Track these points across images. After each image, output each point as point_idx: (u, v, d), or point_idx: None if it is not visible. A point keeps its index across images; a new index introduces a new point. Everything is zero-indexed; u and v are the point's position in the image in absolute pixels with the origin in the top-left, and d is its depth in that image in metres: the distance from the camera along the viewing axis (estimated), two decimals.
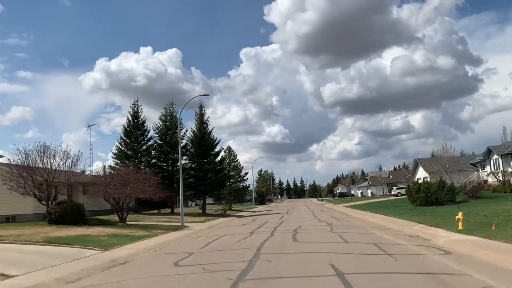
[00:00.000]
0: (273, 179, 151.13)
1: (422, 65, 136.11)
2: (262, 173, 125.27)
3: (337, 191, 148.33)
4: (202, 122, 37.43)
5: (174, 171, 35.85)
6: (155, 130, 36.21)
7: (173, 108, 37.22)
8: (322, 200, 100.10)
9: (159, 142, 36.04)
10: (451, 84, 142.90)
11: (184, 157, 37.21)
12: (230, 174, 48.82)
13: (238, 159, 49.96)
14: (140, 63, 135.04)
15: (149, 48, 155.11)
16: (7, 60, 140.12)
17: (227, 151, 49.49)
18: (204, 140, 36.73)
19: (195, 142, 36.90)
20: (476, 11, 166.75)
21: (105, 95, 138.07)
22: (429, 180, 48.65)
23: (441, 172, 35.20)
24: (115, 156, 34.39)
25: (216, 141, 37.93)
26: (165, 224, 24.06)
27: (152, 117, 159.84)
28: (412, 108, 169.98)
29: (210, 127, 37.80)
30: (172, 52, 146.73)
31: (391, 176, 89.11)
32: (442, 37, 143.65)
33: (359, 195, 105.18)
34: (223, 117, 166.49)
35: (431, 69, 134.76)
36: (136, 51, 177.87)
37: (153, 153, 36.13)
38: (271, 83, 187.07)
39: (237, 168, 49.55)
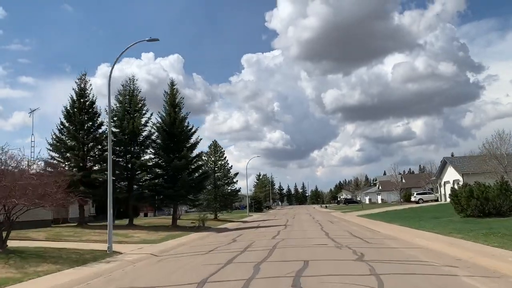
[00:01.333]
0: (273, 184, 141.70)
1: (424, 72, 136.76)
2: (260, 177, 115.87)
3: (342, 197, 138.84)
4: (173, 104, 28.23)
5: (134, 168, 26.63)
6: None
7: (134, 84, 28.11)
8: (326, 207, 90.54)
9: (114, 130, 26.85)
10: (453, 91, 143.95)
11: (148, 150, 28.06)
12: (216, 174, 39.55)
13: (226, 157, 40.75)
14: (142, 68, 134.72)
15: (151, 54, 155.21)
16: (9, 65, 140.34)
17: (212, 147, 40.28)
18: (174, 128, 27.51)
19: (163, 130, 27.67)
20: (477, 18, 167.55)
21: (107, 100, 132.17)
22: (461, 183, 39.22)
23: (498, 171, 25.74)
24: (51, 147, 25.17)
25: (192, 130, 28.75)
26: (83, 249, 14.74)
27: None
28: (413, 114, 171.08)
29: (184, 112, 28.63)
30: (174, 58, 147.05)
31: (404, 180, 79.76)
32: (444, 43, 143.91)
33: (367, 202, 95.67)
34: (224, 123, 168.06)
35: (433, 75, 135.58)
36: (138, 57, 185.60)
37: (105, 144, 26.91)
38: (272, 89, 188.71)
39: (225, 168, 40.31)
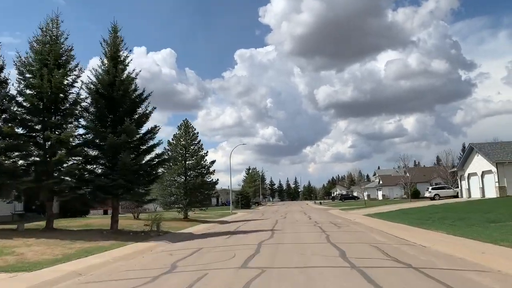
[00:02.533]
0: (263, 179, 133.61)
1: (416, 69, 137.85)
2: (250, 171, 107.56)
3: (336, 193, 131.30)
4: (114, 57, 19.73)
5: (53, 146, 18.09)
6: (17, 65, 18.47)
7: (58, 28, 19.46)
8: (320, 203, 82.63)
9: (26, 91, 18.31)
10: (445, 88, 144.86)
11: (78, 122, 19.59)
12: (187, 162, 31.17)
13: (200, 142, 32.28)
14: (133, 62, 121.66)
15: (143, 48, 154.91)
16: None
17: (182, 127, 31.76)
18: (114, 90, 19.01)
19: (97, 94, 19.11)
20: (469, 16, 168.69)
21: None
22: (496, 174, 31.31)
23: None
24: None
25: (142, 96, 20.23)
26: None
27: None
28: (405, 111, 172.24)
29: (130, 70, 20.10)
30: (166, 52, 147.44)
31: (408, 174, 72.09)
32: (436, 41, 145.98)
33: (365, 198, 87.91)
34: (217, 119, 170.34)
35: (425, 72, 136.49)
36: (130, 51, 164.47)
37: (16, 109, 18.41)
38: (265, 85, 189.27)
39: (198, 154, 31.85)
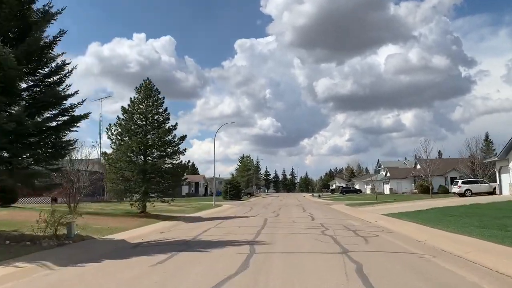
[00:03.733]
0: (258, 168, 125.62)
1: (417, 64, 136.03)
2: (243, 159, 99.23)
3: (335, 185, 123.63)
4: None
5: None
6: None
7: None
8: (319, 196, 74.67)
9: None
10: (444, 84, 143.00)
11: None
12: (147, 137, 22.84)
13: (167, 110, 23.86)
14: (133, 49, 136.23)
15: (143, 35, 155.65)
16: None
17: (142, 89, 23.27)
18: None
19: None
20: (470, 13, 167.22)
21: (97, 80, 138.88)
22: None
23: None
24: None
25: (46, 10, 11.87)
26: None
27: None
28: (404, 106, 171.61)
29: None
30: (166, 39, 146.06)
31: (418, 166, 64.18)
32: (437, 36, 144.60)
33: (368, 191, 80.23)
34: (215, 108, 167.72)
35: (426, 68, 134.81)
36: (129, 37, 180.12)
37: None
38: (265, 76, 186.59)
39: (162, 126, 23.47)
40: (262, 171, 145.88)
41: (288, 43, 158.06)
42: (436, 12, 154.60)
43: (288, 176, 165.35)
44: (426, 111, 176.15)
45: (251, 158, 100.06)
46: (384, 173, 76.10)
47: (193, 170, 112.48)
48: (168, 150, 23.30)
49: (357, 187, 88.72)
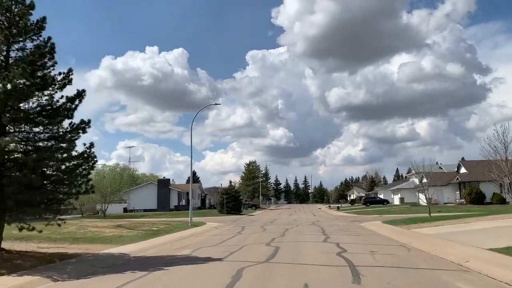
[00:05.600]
0: (268, 177, 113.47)
1: (431, 72, 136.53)
2: (250, 165, 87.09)
3: (353, 195, 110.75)
4: None
5: None
6: None
7: None
8: (338, 208, 62.13)
9: None
10: (459, 93, 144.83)
11: None
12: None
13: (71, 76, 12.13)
14: (146, 62, 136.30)
15: (155, 48, 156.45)
16: None
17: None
18: None
19: None
20: (484, 20, 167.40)
21: (110, 93, 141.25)
22: None
23: None
24: None
25: None
26: None
27: (157, 118, 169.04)
28: (418, 115, 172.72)
29: None
30: (178, 52, 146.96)
31: (465, 170, 51.34)
32: (450, 44, 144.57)
33: (396, 201, 67.51)
34: (227, 119, 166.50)
35: (439, 76, 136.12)
36: (142, 50, 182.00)
37: None
38: (277, 86, 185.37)
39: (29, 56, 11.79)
40: (272, 180, 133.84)
41: (300, 54, 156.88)
42: (450, 19, 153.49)
43: (301, 186, 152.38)
44: (440, 120, 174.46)
45: (258, 165, 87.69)
46: (417, 180, 63.21)
47: (194, 179, 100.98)
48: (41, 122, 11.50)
49: (381, 196, 75.88)
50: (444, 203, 50.26)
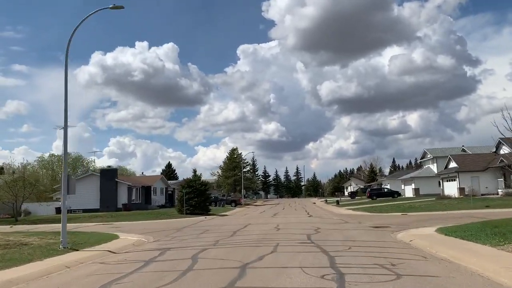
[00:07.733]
0: (254, 168, 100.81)
1: (421, 65, 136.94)
2: (232, 153, 73.90)
3: (352, 187, 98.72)
4: None
5: None
6: None
7: None
8: (337, 203, 49.32)
9: None
10: (449, 84, 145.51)
11: None
12: None
13: None
14: (136, 57, 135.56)
15: (145, 43, 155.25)
16: (2, 53, 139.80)
17: None
18: None
19: None
20: (473, 12, 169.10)
21: (101, 89, 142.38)
22: None
23: None
24: None
25: None
26: None
27: (148, 114, 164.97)
28: (409, 107, 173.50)
29: None
30: (169, 47, 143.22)
31: (505, 150, 38.82)
32: (441, 37, 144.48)
33: (410, 193, 54.85)
34: (219, 114, 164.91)
35: (430, 68, 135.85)
36: (132, 45, 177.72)
37: None
38: (268, 80, 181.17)
39: None
40: (260, 172, 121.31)
41: (291, 47, 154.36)
42: (441, 11, 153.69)
43: (293, 178, 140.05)
44: (431, 112, 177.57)
45: (240, 152, 74.38)
46: (434, 167, 50.64)
47: (169, 172, 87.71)
48: None
49: (388, 187, 63.60)
50: (482, 194, 37.85)
